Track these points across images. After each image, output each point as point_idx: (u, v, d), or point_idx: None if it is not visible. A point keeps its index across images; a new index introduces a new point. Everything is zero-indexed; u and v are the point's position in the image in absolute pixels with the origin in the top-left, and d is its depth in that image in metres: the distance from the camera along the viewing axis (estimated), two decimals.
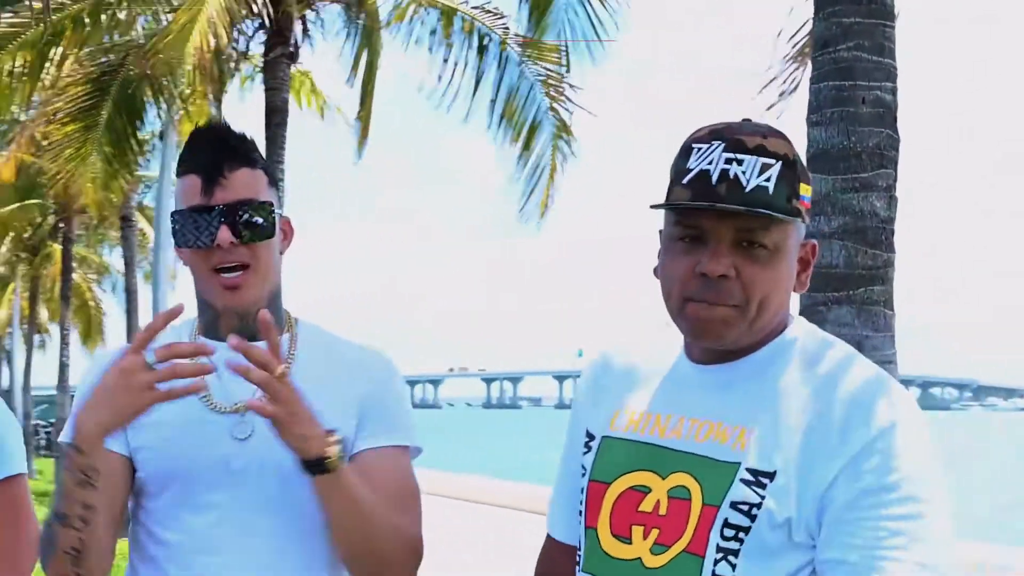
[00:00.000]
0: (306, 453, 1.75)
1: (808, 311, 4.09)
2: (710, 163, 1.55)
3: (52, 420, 30.34)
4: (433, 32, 10.35)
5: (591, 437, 1.76)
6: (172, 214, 1.97)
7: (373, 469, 1.92)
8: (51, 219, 22.72)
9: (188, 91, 10.32)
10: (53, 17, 8.44)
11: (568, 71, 10.16)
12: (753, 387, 1.61)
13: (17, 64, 8.53)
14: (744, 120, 1.64)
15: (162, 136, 12.57)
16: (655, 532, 1.59)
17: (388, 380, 2.05)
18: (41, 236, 24.63)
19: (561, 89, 10.42)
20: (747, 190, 1.53)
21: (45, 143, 11.06)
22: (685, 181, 1.57)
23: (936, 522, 1.49)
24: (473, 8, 10.44)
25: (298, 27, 9.73)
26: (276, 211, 1.97)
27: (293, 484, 1.85)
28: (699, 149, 1.57)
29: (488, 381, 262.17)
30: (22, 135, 16.27)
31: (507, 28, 10.26)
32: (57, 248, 23.82)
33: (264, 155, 7.17)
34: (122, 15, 8.79)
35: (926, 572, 1.45)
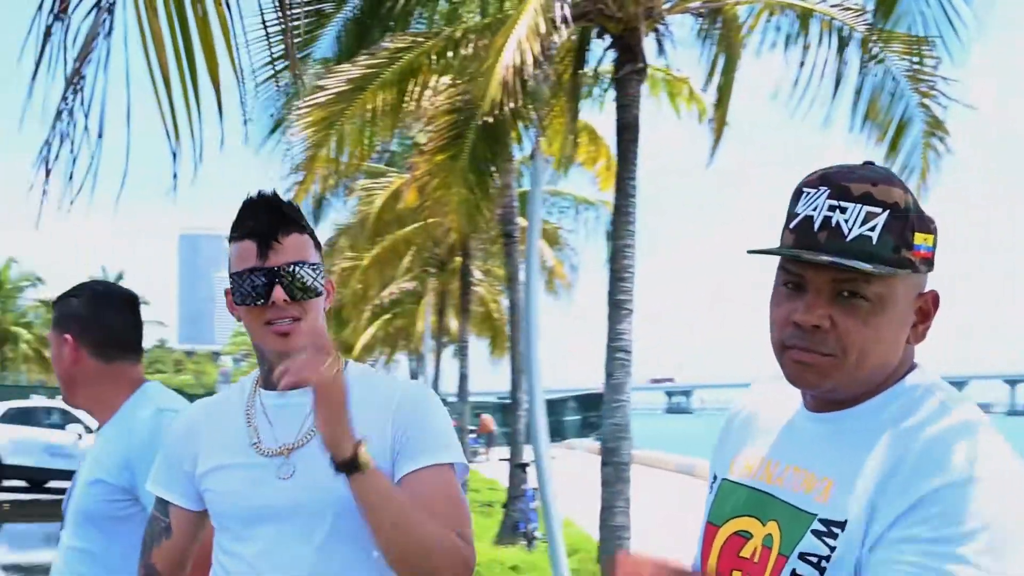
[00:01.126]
0: (340, 453, 1.97)
1: None
2: (814, 209, 1.54)
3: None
4: (789, 35, 9.91)
5: (715, 479, 1.81)
6: (230, 275, 2.19)
7: (416, 491, 2.10)
8: (452, 236, 23.97)
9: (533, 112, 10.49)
10: (407, 56, 8.91)
11: (938, 65, 9.42)
12: (852, 438, 1.57)
13: (379, 102, 9.04)
14: (865, 163, 1.61)
15: (532, 156, 12.93)
16: None
17: (420, 406, 2.21)
18: (447, 251, 26.00)
19: (932, 83, 9.67)
20: (848, 239, 1.51)
21: (417, 173, 11.66)
22: (791, 226, 1.58)
23: None
24: (831, 6, 9.90)
25: (647, 42, 9.66)
26: (323, 272, 2.23)
27: (327, 518, 2.10)
28: (808, 194, 1.57)
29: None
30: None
31: (870, 24, 9.62)
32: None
33: (616, 171, 7.07)
34: (468, 51, 9.09)
35: None
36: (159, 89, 3.13)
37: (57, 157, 3.14)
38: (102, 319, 2.86)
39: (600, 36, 9.89)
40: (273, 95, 9.82)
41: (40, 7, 3.08)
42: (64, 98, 3.12)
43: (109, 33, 3.12)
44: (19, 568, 13.66)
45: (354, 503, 2.06)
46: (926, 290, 1.61)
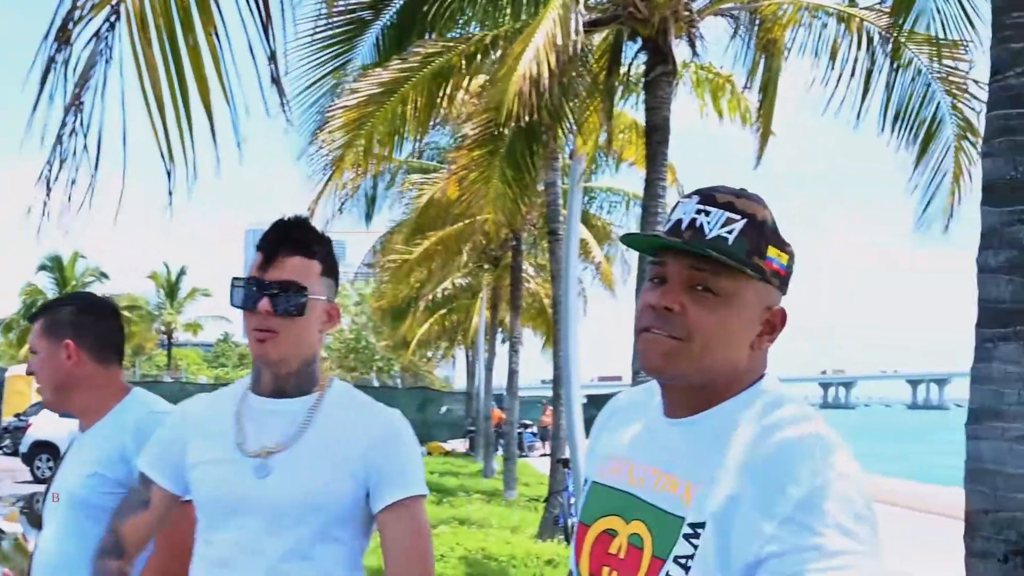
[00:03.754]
0: None
1: (978, 349, 3.84)
2: (684, 213, 1.74)
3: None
4: (819, 37, 9.97)
5: (586, 482, 1.96)
6: (232, 278, 2.41)
7: (391, 527, 2.39)
8: (503, 232, 24.02)
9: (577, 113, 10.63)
10: (438, 60, 9.14)
11: (971, 67, 9.41)
12: (707, 441, 1.71)
13: (409, 104, 9.26)
14: (740, 189, 1.78)
15: (571, 155, 13.09)
16: (615, 575, 1.74)
17: (394, 438, 2.44)
18: (500, 247, 26.03)
19: (964, 86, 9.65)
20: (707, 237, 1.69)
21: (455, 167, 11.90)
22: (666, 229, 1.77)
23: (860, 570, 1.52)
24: (863, 8, 9.95)
25: (679, 45, 9.75)
26: (316, 298, 2.40)
27: (293, 518, 2.32)
28: (682, 203, 1.77)
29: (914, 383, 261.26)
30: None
31: (890, 24, 9.63)
32: None
33: (646, 172, 7.22)
34: (496, 55, 9.26)
35: None
36: (153, 113, 3.38)
37: (58, 178, 3.39)
38: (98, 326, 3.09)
39: (632, 38, 10.01)
40: (318, 101, 10.15)
41: (46, 36, 3.33)
42: (64, 122, 3.37)
43: (108, 61, 3.37)
44: None
45: (327, 506, 2.33)
46: (777, 306, 1.75)
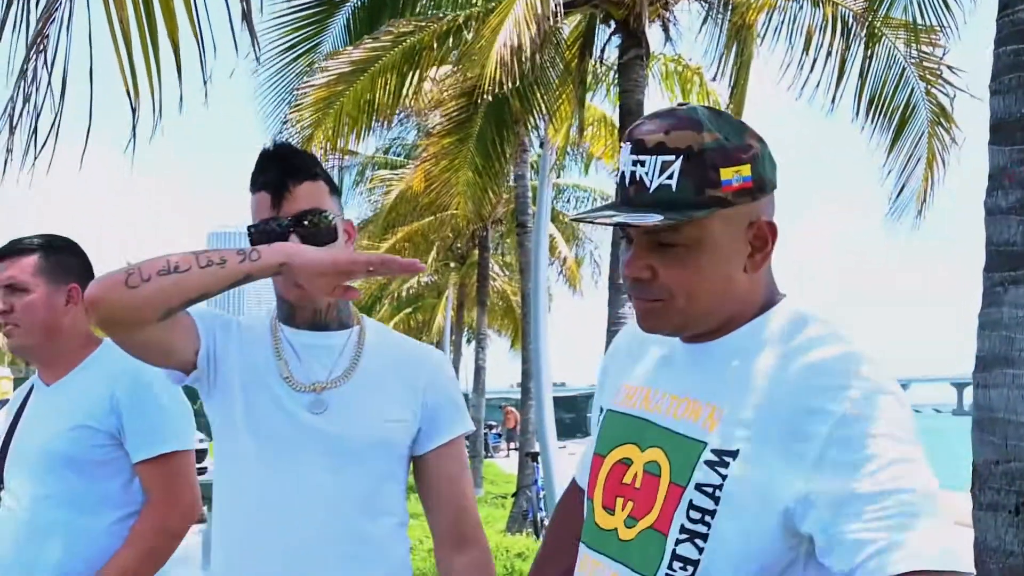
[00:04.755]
0: None
1: (987, 294, 3.71)
2: (624, 165, 1.60)
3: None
4: (794, 21, 9.89)
5: (601, 410, 1.86)
6: (248, 228, 2.20)
7: (444, 466, 2.32)
8: (469, 228, 23.82)
9: (549, 99, 10.51)
10: (409, 40, 8.99)
11: (945, 52, 9.37)
12: (729, 366, 1.60)
13: (380, 85, 9.10)
14: (679, 104, 1.63)
15: (542, 144, 12.96)
16: (630, 505, 1.64)
17: (443, 373, 2.37)
18: (467, 244, 25.89)
19: (938, 72, 9.61)
20: (651, 191, 1.55)
21: (425, 155, 11.74)
22: (617, 181, 1.63)
23: (921, 473, 1.42)
24: None
25: (653, 30, 9.67)
26: (336, 216, 2.22)
27: (357, 456, 2.19)
28: (623, 150, 1.61)
29: None
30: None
31: (875, 10, 9.59)
32: None
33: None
34: (470, 36, 9.12)
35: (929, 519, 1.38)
36: (120, 48, 3.20)
37: (21, 115, 3.21)
38: (88, 271, 2.93)
39: (605, 22, 9.92)
40: (288, 85, 9.96)
41: None
42: (27, 58, 3.19)
43: None
44: None
45: (392, 444, 2.24)
46: (761, 218, 1.60)
